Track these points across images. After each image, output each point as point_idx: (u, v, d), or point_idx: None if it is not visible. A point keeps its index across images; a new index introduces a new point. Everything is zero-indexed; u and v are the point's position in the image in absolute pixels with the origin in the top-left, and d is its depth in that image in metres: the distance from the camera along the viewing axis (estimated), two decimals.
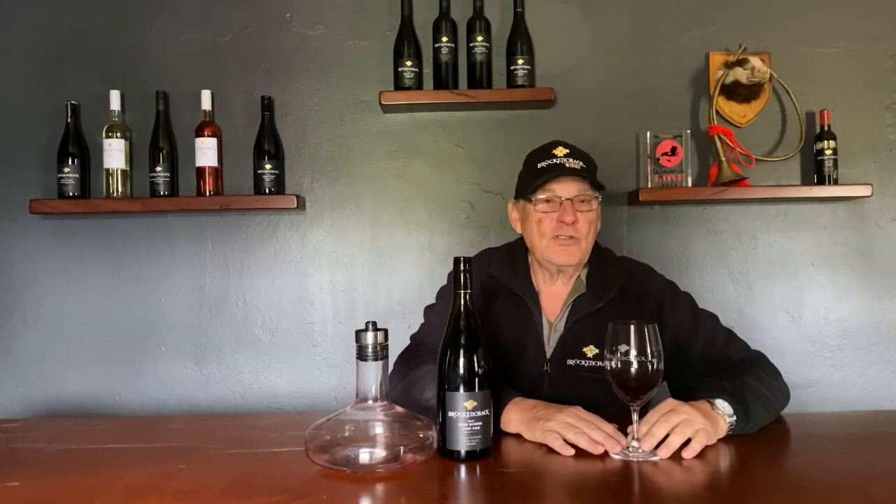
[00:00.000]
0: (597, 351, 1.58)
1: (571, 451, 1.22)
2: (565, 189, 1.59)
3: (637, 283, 1.66)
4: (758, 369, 1.46)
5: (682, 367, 1.54)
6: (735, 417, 1.29)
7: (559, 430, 1.24)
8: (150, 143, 2.34)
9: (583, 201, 1.59)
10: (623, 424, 1.26)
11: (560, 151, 1.62)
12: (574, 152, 1.63)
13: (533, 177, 1.61)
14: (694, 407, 1.26)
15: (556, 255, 1.60)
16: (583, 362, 1.58)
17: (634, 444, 1.21)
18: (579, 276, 1.67)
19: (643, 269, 1.72)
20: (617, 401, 1.24)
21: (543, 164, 1.61)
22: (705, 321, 1.62)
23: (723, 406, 1.29)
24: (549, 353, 1.61)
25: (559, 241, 1.59)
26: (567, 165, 1.58)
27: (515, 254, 1.73)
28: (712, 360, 1.54)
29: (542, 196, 1.60)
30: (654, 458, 1.19)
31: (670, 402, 1.26)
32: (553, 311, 1.66)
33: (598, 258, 1.69)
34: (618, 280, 1.64)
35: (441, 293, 1.75)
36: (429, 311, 1.74)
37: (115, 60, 2.40)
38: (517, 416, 1.33)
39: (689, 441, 1.21)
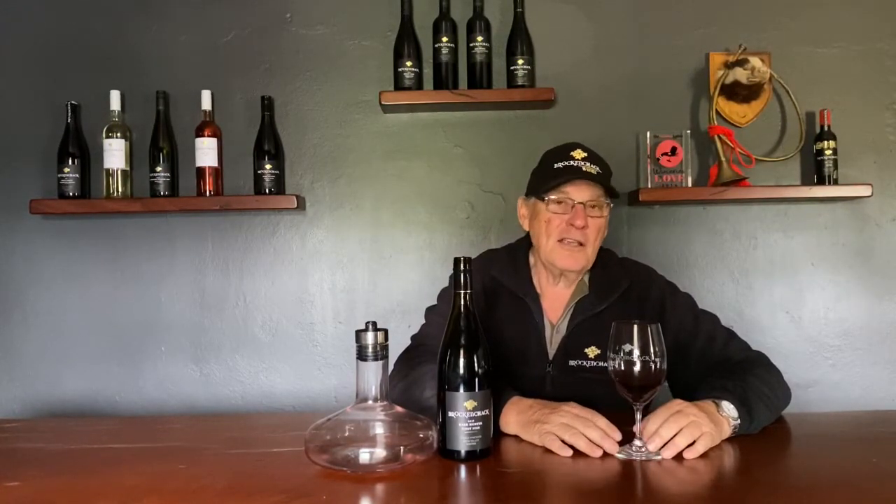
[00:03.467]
0: (599, 351, 1.58)
1: (569, 452, 1.21)
2: (579, 192, 1.58)
3: (639, 286, 1.66)
4: (759, 369, 1.46)
5: (683, 367, 1.54)
6: (739, 420, 1.29)
7: (556, 432, 1.24)
8: (150, 143, 2.34)
9: (594, 206, 1.59)
10: (625, 424, 1.26)
11: (578, 154, 1.61)
12: (592, 157, 1.63)
13: (549, 176, 1.61)
14: (701, 408, 1.25)
15: (560, 260, 1.60)
16: (585, 363, 1.59)
17: (638, 443, 1.21)
18: (582, 278, 1.67)
19: (645, 270, 1.72)
20: (619, 400, 1.24)
21: (560, 164, 1.60)
22: (705, 322, 1.62)
23: (728, 408, 1.29)
24: (551, 354, 1.62)
25: (565, 246, 1.59)
26: (584, 169, 1.58)
27: (517, 255, 1.72)
28: (713, 361, 1.54)
29: (554, 196, 1.59)
30: (657, 458, 1.19)
31: (678, 403, 1.26)
32: (555, 312, 1.66)
33: (601, 260, 1.69)
34: (620, 282, 1.65)
35: (442, 295, 1.75)
36: (429, 312, 1.74)
37: (115, 60, 2.40)
38: (515, 419, 1.33)
39: (692, 441, 1.20)
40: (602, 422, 1.24)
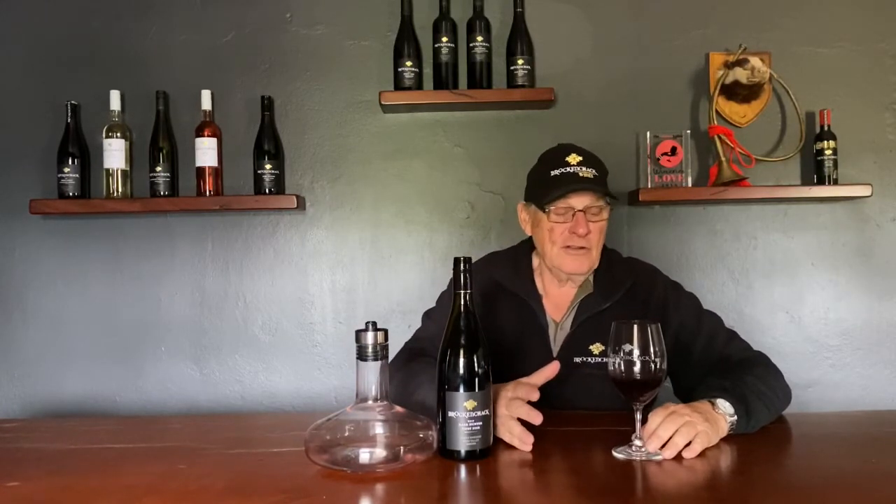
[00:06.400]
0: (603, 348, 1.58)
1: (528, 447, 1.24)
2: (579, 200, 1.58)
3: (643, 284, 1.67)
4: (759, 368, 1.47)
5: (684, 366, 1.55)
6: (736, 417, 1.29)
7: (499, 426, 1.26)
8: (150, 143, 2.34)
9: (595, 212, 1.59)
10: (626, 424, 1.26)
11: (573, 159, 1.60)
12: (587, 159, 1.61)
13: (547, 186, 1.59)
14: (694, 409, 1.26)
15: (567, 265, 1.60)
16: (589, 359, 1.60)
17: (638, 443, 1.21)
18: (587, 277, 1.67)
19: (649, 269, 1.73)
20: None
21: (557, 172, 1.59)
22: (708, 321, 1.63)
23: (724, 406, 1.29)
24: (555, 352, 1.62)
25: (570, 252, 1.59)
26: (581, 175, 1.57)
27: (519, 257, 1.73)
28: (714, 360, 1.55)
29: (554, 207, 1.59)
30: (657, 458, 1.19)
31: (673, 405, 1.26)
32: (559, 311, 1.67)
33: (606, 259, 1.69)
34: (624, 281, 1.65)
35: (441, 298, 1.76)
36: (425, 317, 1.76)
37: (115, 60, 2.40)
38: None
39: (690, 442, 1.21)
40: (522, 410, 1.26)
